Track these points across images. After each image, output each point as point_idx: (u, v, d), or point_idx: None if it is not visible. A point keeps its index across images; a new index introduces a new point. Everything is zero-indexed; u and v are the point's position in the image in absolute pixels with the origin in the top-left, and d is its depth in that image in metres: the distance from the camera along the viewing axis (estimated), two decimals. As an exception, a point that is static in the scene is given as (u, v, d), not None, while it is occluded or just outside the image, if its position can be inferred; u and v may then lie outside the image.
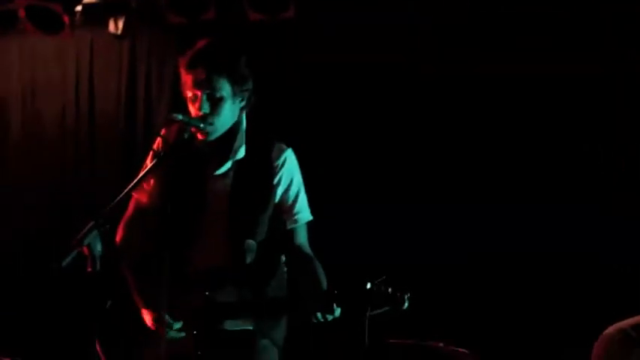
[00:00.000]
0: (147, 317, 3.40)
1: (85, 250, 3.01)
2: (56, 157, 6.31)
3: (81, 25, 6.05)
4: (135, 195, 3.54)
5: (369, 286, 3.13)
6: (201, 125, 3.36)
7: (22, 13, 5.90)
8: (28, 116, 6.36)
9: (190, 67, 3.40)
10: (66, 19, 5.78)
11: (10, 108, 6.40)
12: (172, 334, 3.35)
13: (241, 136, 3.49)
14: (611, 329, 3.24)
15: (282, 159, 3.50)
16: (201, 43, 3.46)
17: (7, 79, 6.41)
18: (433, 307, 5.17)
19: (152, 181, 3.50)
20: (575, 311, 5.05)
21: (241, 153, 3.47)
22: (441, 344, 4.47)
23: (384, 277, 3.17)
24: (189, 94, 3.42)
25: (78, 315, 5.35)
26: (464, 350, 4.43)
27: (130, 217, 3.59)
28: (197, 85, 3.37)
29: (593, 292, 5.04)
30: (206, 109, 3.37)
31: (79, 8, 5.97)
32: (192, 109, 3.43)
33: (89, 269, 3.02)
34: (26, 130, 6.37)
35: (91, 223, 3.04)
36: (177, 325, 3.35)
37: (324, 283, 3.43)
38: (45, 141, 6.34)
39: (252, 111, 3.55)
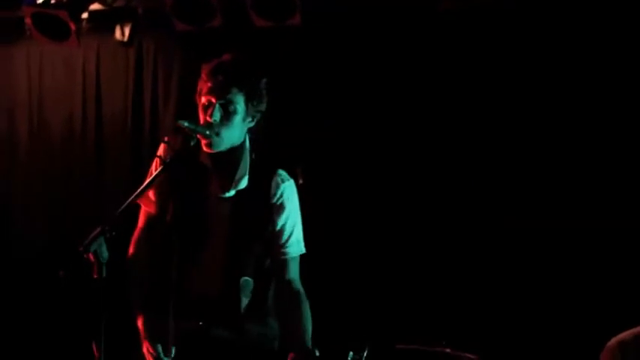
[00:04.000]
0: (143, 344, 3.44)
1: (92, 256, 3.01)
2: (64, 164, 6.31)
3: (87, 33, 6.08)
4: (144, 207, 3.56)
5: (350, 356, 3.10)
6: (208, 132, 3.36)
7: (28, 20, 5.92)
8: (36, 123, 6.36)
9: (212, 74, 3.41)
10: (72, 26, 5.79)
11: (17, 116, 6.42)
12: None
13: (245, 164, 3.49)
14: (612, 341, 3.61)
15: (280, 190, 3.52)
16: (227, 56, 3.48)
17: (14, 86, 6.43)
18: (438, 313, 5.19)
19: (157, 195, 3.52)
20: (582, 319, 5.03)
21: (244, 183, 3.48)
22: (448, 349, 4.45)
23: (366, 350, 3.12)
24: (204, 100, 3.43)
25: (82, 321, 5.36)
26: (472, 355, 4.41)
27: (141, 231, 3.61)
28: (214, 92, 3.39)
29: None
30: (217, 117, 3.37)
31: (85, 15, 5.99)
32: (202, 117, 3.44)
33: (95, 276, 3.02)
34: (34, 138, 6.38)
35: (98, 230, 3.03)
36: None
37: (309, 330, 3.45)
38: (52, 148, 6.35)
39: (259, 137, 3.58)
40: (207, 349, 3.44)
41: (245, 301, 3.47)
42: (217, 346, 3.44)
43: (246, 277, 3.45)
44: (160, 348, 3.36)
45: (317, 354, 3.16)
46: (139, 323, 3.47)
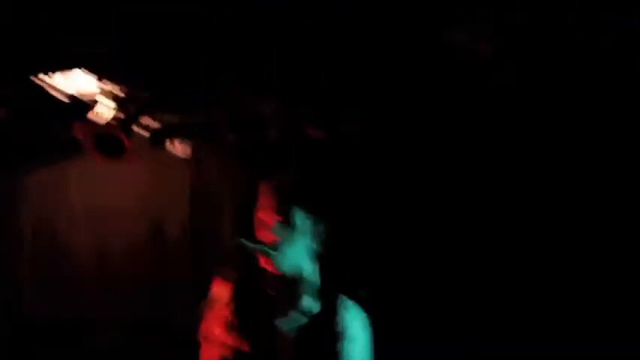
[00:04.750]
0: None
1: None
2: (123, 282, 6.30)
3: (141, 149, 6.09)
4: (214, 349, 3.45)
5: None
6: (270, 252, 3.30)
7: (82, 138, 5.93)
8: (93, 242, 6.37)
9: (273, 193, 3.38)
10: (127, 143, 5.80)
11: (71, 235, 6.43)
12: None
13: (308, 290, 3.41)
14: None
15: (347, 318, 3.41)
16: (288, 175, 3.48)
17: (69, 204, 6.46)
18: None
19: (229, 334, 3.43)
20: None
21: (309, 308, 3.39)
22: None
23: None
24: (263, 218, 3.37)
25: None
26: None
27: None
28: (275, 209, 3.35)
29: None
30: (279, 234, 3.32)
31: (139, 131, 6.00)
32: (263, 236, 3.37)
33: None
34: (92, 256, 6.38)
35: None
36: None
37: None
38: (112, 266, 6.34)
39: (323, 262, 3.51)
40: None
41: None
42: None
43: None
44: None
45: None
46: None
